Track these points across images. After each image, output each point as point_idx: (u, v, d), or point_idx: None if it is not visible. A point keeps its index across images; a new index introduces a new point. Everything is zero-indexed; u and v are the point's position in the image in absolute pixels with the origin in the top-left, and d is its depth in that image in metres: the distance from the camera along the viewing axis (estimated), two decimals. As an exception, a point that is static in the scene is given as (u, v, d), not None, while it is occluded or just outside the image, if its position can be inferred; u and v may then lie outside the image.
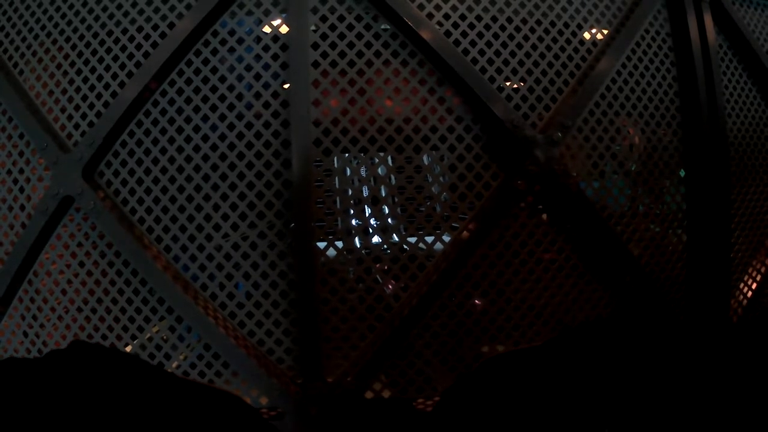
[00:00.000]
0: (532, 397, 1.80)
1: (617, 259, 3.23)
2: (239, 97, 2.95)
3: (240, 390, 2.83)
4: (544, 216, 3.19)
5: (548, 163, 3.05)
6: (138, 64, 2.94)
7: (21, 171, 3.03)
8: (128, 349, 2.91)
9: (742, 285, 3.74)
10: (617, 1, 3.38)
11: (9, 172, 3.05)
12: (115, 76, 2.95)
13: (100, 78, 2.96)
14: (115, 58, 2.97)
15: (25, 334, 3.04)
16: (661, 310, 3.12)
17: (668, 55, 3.51)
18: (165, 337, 2.90)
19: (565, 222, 3.20)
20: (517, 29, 3.14)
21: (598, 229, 3.19)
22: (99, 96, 2.95)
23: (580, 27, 3.27)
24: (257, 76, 2.97)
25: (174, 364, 2.89)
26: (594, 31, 3.32)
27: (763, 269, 3.83)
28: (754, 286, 3.79)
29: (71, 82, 3.01)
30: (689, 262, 3.42)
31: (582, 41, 3.27)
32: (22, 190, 3.03)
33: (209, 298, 2.94)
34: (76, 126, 2.97)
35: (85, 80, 2.97)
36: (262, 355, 2.89)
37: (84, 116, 2.96)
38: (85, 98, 2.96)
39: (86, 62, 2.97)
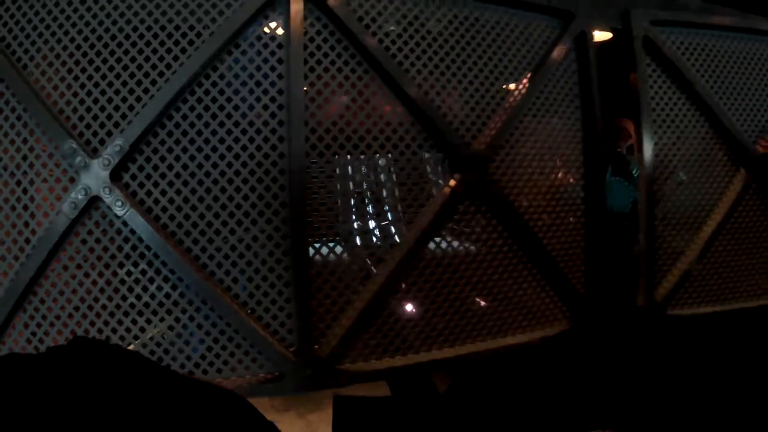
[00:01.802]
0: (531, 394, 1.89)
1: (535, 250, 4.19)
2: (243, 115, 3.50)
3: (246, 358, 3.45)
4: (479, 214, 4.09)
5: (483, 175, 3.93)
6: (155, 84, 3.36)
7: (51, 172, 3.26)
8: (156, 331, 3.41)
9: (646, 279, 4.60)
10: (536, 46, 4.27)
11: (38, 173, 3.33)
12: (138, 98, 3.33)
13: (124, 99, 3.32)
14: (139, 83, 3.35)
15: (52, 325, 3.27)
16: (563, 292, 4.11)
17: (573, 87, 4.48)
18: (192, 317, 3.42)
19: (494, 218, 4.12)
20: (460, 81, 3.95)
21: (519, 225, 4.13)
22: (124, 110, 3.33)
23: (501, 74, 4.12)
24: (258, 99, 3.54)
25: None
26: (517, 72, 4.20)
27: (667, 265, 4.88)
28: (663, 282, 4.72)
29: (104, 92, 3.26)
30: (588, 257, 4.43)
31: (506, 84, 4.14)
32: (51, 190, 3.28)
33: (218, 282, 3.50)
34: (102, 136, 3.33)
35: (110, 100, 3.31)
36: (264, 328, 3.52)
37: (107, 128, 3.33)
38: (117, 108, 3.27)
39: (118, 76, 3.27)
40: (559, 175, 4.41)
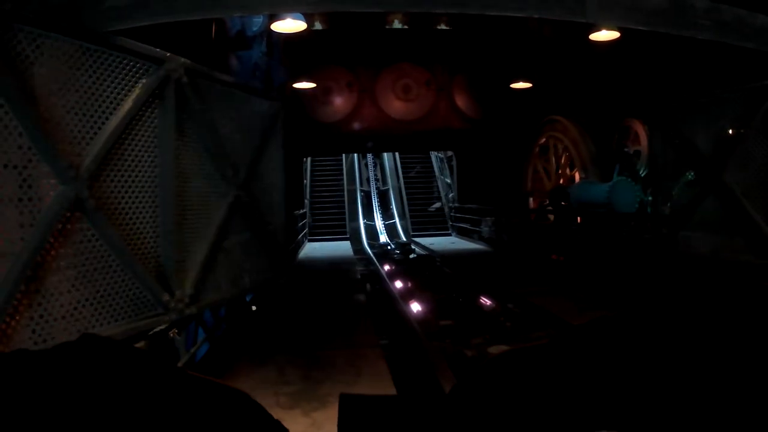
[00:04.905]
0: (537, 393, 1.91)
1: (264, 236, 6.33)
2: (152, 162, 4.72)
3: (149, 304, 4.51)
4: (245, 214, 5.98)
5: (247, 192, 5.96)
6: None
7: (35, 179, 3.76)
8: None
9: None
10: (265, 116, 6.43)
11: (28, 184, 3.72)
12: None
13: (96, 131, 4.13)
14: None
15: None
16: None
17: (279, 143, 6.87)
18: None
19: (249, 218, 5.99)
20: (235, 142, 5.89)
21: (261, 221, 6.10)
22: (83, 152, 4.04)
23: (252, 134, 6.29)
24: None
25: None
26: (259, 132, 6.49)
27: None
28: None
29: (81, 130, 4.05)
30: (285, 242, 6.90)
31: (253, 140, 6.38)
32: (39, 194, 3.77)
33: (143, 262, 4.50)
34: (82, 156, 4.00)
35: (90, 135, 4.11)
36: (159, 285, 4.58)
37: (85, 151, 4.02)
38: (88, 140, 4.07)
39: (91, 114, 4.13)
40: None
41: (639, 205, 10.28)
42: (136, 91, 4.39)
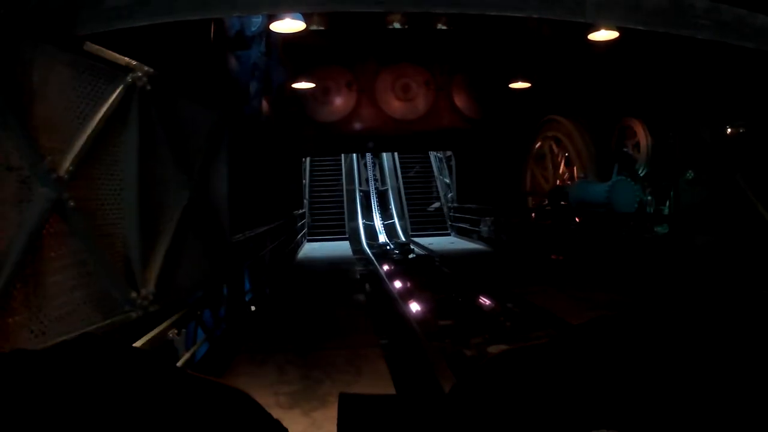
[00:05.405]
0: (538, 394, 1.91)
1: (215, 232, 6.53)
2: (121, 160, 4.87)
3: (118, 303, 4.53)
4: (200, 212, 6.00)
5: (203, 197, 6.09)
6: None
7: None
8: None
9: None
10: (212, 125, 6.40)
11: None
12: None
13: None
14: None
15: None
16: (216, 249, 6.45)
17: (224, 149, 6.94)
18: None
19: (204, 217, 6.14)
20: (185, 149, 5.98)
21: (209, 224, 6.29)
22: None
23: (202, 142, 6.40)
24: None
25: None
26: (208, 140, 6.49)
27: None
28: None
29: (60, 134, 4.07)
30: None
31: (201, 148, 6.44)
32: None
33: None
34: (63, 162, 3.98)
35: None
36: (128, 285, 4.62)
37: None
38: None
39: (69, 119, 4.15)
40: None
41: (638, 205, 10.29)
42: (105, 98, 4.52)
